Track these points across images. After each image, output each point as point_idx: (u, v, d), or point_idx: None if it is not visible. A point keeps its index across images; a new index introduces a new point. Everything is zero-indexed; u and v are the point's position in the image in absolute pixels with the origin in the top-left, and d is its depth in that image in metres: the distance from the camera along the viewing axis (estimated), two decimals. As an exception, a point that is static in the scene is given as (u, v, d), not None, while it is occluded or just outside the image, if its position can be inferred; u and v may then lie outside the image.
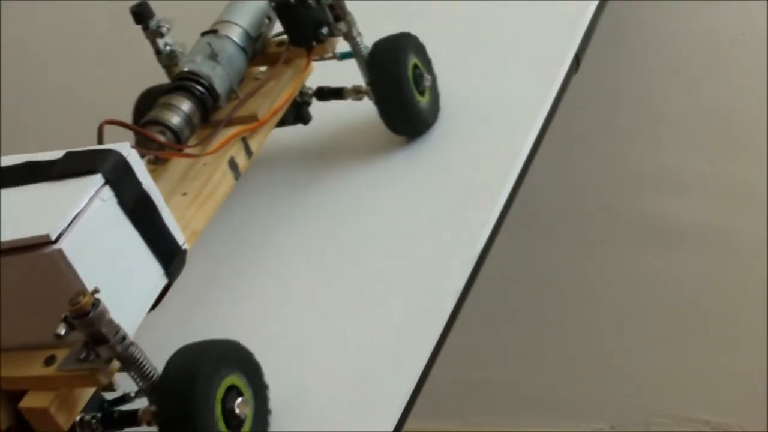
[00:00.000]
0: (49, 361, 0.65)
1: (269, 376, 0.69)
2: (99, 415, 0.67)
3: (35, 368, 0.65)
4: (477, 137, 0.90)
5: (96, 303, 0.60)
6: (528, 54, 0.96)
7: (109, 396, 0.69)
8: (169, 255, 0.71)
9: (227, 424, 0.64)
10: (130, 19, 0.84)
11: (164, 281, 0.71)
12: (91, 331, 0.61)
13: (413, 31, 0.92)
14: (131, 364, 0.63)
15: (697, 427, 1.53)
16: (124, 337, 0.62)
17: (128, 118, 0.88)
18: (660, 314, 1.48)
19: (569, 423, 1.62)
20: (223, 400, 0.64)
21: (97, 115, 0.76)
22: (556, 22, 0.98)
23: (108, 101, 0.99)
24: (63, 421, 0.65)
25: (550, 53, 0.95)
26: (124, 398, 0.69)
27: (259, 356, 0.69)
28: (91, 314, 0.60)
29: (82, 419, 0.67)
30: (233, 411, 0.65)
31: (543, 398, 1.62)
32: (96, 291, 0.61)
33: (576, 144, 1.39)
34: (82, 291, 0.60)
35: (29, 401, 0.65)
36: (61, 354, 0.65)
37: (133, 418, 0.66)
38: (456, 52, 0.99)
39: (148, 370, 0.63)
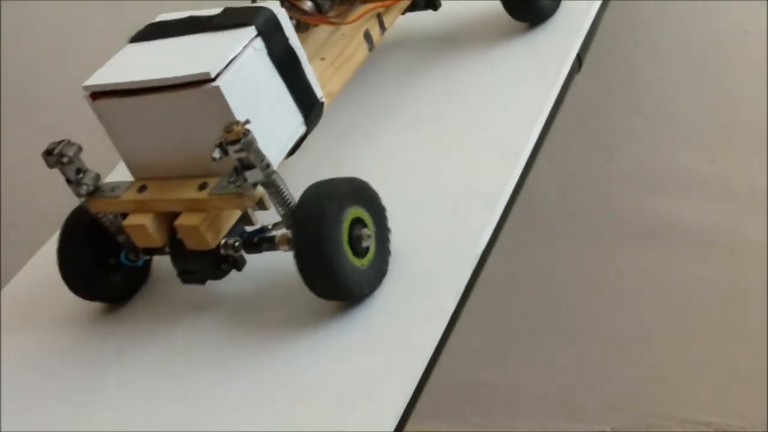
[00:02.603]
0: (202, 186, 0.74)
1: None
2: (241, 238, 0.76)
3: (190, 192, 0.74)
4: (477, 137, 0.91)
5: (246, 132, 0.69)
6: (530, 53, 0.96)
7: (249, 229, 0.78)
8: (308, 105, 0.79)
9: (352, 250, 0.72)
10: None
11: (303, 128, 0.79)
12: (241, 157, 0.69)
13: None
14: (273, 189, 0.71)
15: (699, 428, 1.50)
16: (268, 165, 0.71)
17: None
18: (660, 314, 1.45)
19: (570, 424, 1.59)
20: (350, 228, 0.72)
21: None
22: (558, 22, 0.98)
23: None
24: (211, 238, 0.74)
25: (552, 53, 0.95)
26: (263, 230, 0.78)
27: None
28: (243, 140, 0.68)
29: (226, 241, 0.76)
30: (359, 239, 0.72)
31: (544, 399, 1.60)
32: (247, 122, 0.69)
33: (578, 143, 1.36)
34: (236, 121, 0.70)
35: (183, 220, 0.74)
36: (212, 182, 0.74)
37: (271, 241, 0.75)
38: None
39: (287, 197, 0.72)
